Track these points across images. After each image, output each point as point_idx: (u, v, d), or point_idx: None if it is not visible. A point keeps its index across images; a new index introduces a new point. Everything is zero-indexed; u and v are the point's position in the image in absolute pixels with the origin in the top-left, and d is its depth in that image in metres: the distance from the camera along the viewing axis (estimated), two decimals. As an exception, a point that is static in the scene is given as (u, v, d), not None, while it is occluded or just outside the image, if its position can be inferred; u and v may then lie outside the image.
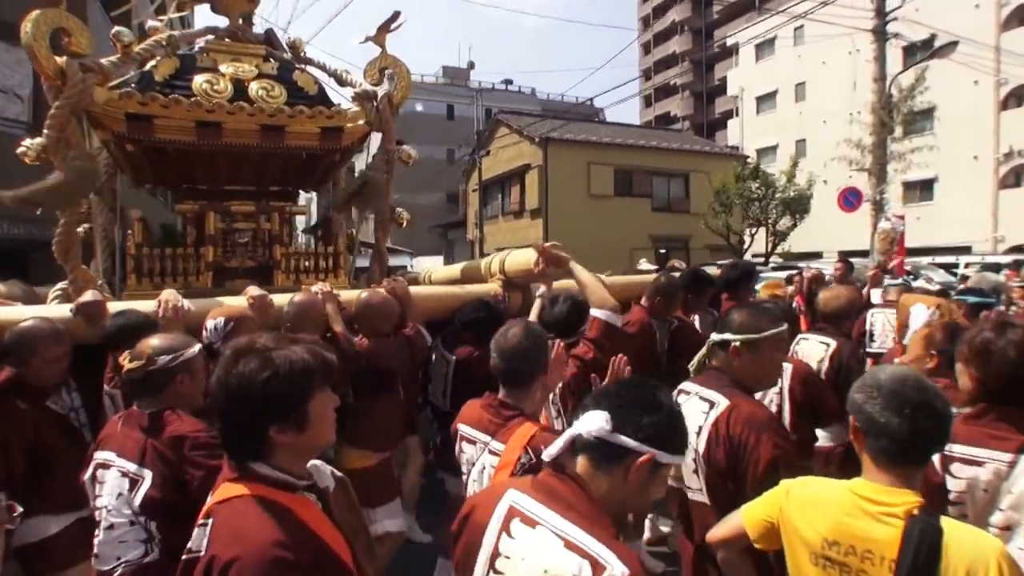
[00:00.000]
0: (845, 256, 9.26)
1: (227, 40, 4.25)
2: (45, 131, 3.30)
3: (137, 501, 1.78)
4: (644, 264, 7.09)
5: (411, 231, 37.37)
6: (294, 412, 1.22)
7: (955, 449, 1.68)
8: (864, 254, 11.57)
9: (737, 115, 32.65)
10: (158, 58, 3.84)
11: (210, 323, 2.68)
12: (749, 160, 20.61)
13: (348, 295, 3.32)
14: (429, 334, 3.36)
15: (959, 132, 21.68)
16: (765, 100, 30.89)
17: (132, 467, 1.81)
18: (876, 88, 10.76)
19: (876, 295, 5.36)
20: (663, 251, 19.68)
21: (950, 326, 2.34)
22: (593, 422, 1.18)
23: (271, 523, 1.14)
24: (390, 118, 4.08)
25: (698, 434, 1.89)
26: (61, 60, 3.27)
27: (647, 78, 56.60)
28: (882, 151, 10.67)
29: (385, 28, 4.11)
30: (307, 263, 4.19)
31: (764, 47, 30.46)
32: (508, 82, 43.70)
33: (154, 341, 2.00)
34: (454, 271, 4.58)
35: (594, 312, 2.81)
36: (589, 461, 1.20)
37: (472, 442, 2.02)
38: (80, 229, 4.18)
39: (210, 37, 4.20)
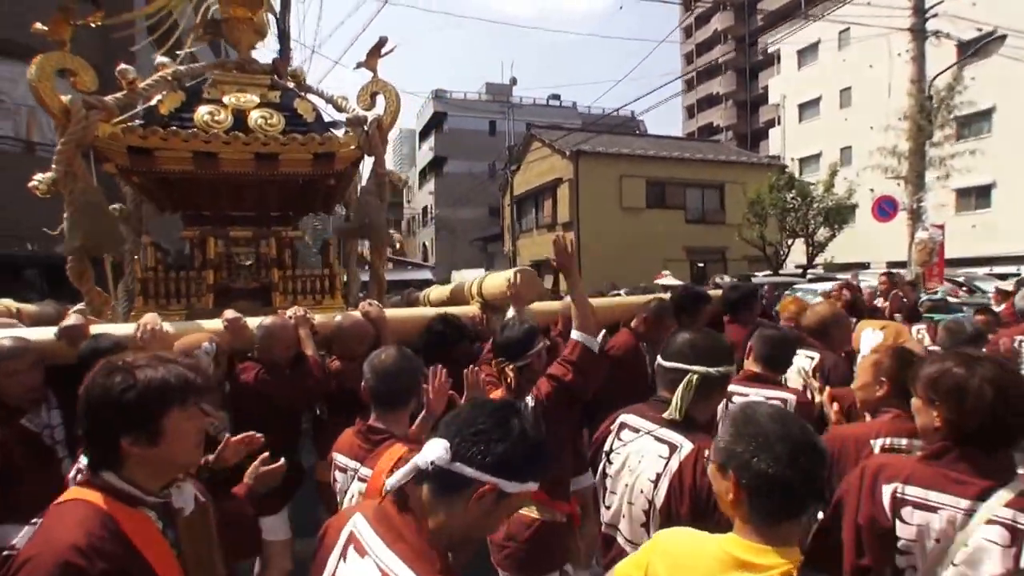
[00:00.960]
0: (891, 268, 8.73)
1: (235, 72, 4.37)
2: (54, 166, 3.44)
3: None
4: (667, 278, 6.88)
5: (453, 244, 38.02)
6: (147, 425, 1.24)
7: (908, 491, 1.47)
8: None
9: (779, 123, 31.42)
10: (164, 93, 3.96)
11: (206, 347, 2.72)
12: (788, 170, 19.79)
13: (325, 317, 3.31)
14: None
15: (1020, 134, 20.10)
16: (808, 107, 29.61)
17: None
18: (914, 90, 10.07)
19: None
20: (701, 264, 19.12)
21: (899, 352, 2.11)
22: (432, 451, 1.10)
23: (81, 529, 1.14)
24: (379, 142, 4.06)
25: (655, 483, 1.66)
26: (65, 99, 3.41)
27: (689, 88, 55.52)
28: (919, 157, 9.95)
29: (375, 54, 4.10)
30: (305, 284, 4.21)
31: (807, 53, 29.25)
32: (555, 96, 43.55)
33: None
34: (445, 292, 4.52)
35: (574, 335, 2.61)
36: (430, 491, 1.12)
37: (344, 470, 1.97)
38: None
39: (217, 71, 4.32)
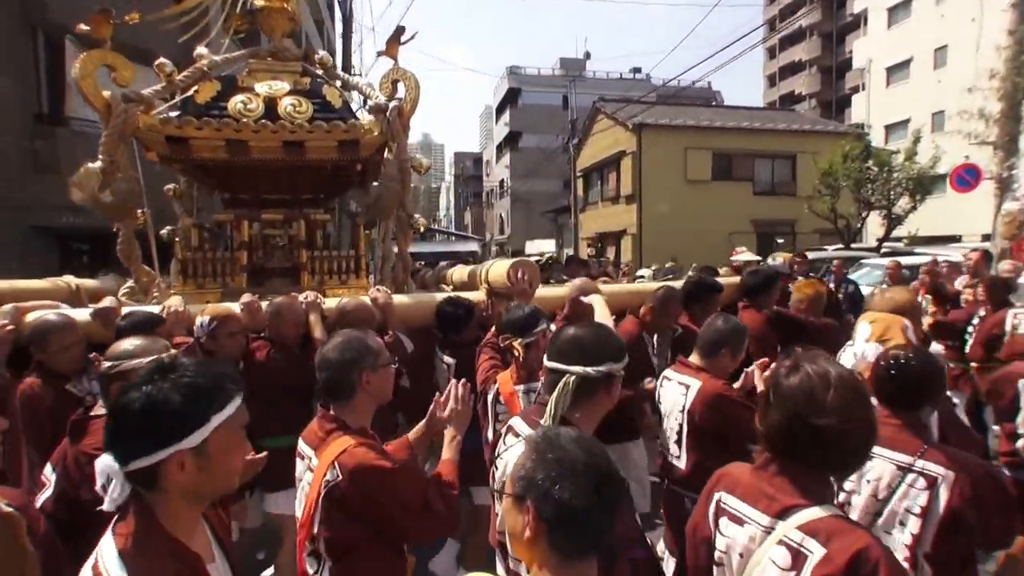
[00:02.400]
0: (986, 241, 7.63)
1: (269, 60, 4.29)
2: (99, 156, 3.51)
3: None
4: (744, 253, 6.26)
5: (528, 216, 37.96)
6: None
7: (728, 502, 1.33)
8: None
9: (863, 89, 28.05)
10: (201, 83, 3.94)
11: (198, 320, 2.83)
12: (868, 137, 17.58)
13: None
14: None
15: None
16: (897, 70, 26.12)
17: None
18: (1012, 42, 8.42)
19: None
20: (780, 240, 17.60)
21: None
22: (103, 472, 1.06)
23: None
24: (400, 129, 3.86)
25: None
26: (107, 94, 3.45)
27: (772, 56, 50.95)
28: (1013, 120, 8.38)
29: (395, 42, 3.86)
30: (332, 265, 4.14)
31: (898, 10, 25.68)
32: (637, 70, 41.37)
33: (126, 345, 1.97)
34: (465, 274, 4.31)
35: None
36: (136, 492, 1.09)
37: (302, 457, 1.86)
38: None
39: (252, 60, 4.25)
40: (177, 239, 4.07)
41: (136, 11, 3.59)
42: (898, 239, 15.95)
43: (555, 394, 1.49)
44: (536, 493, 0.95)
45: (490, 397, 2.56)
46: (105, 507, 1.07)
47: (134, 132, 3.59)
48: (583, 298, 3.04)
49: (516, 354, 2.39)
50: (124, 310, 2.93)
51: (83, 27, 3.48)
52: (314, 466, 1.73)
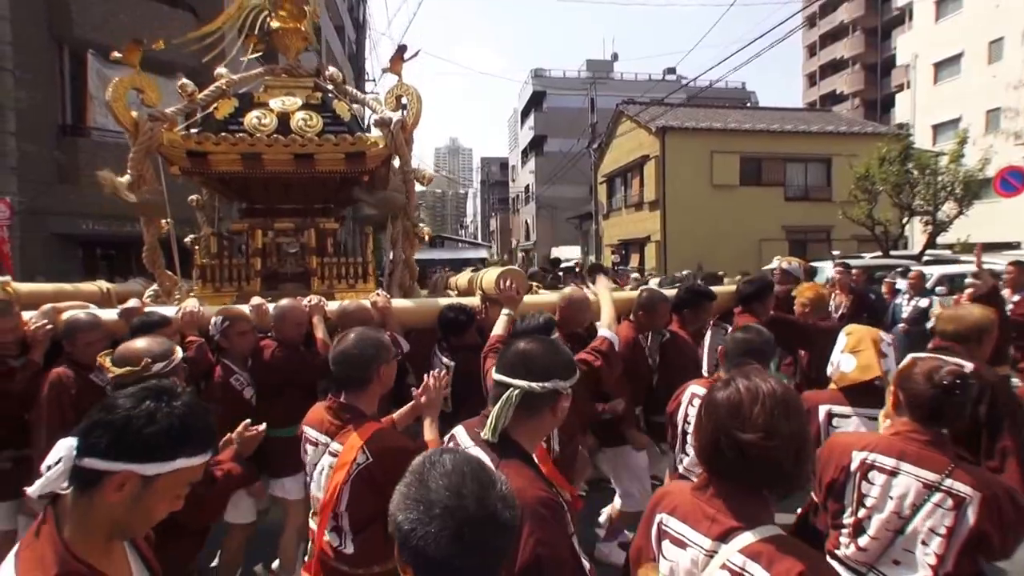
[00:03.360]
0: None
1: (283, 76, 4.69)
2: (128, 170, 3.95)
3: None
4: (780, 262, 6.32)
5: (554, 222, 37.87)
6: None
7: (669, 524, 1.33)
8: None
9: (908, 87, 27.40)
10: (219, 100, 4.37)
11: (212, 320, 3.20)
12: (911, 138, 17.13)
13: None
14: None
15: None
16: (946, 66, 25.40)
17: None
18: None
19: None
20: (844, 253, 17.19)
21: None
22: (57, 451, 1.06)
23: None
24: (404, 142, 4.19)
25: None
26: (134, 114, 3.88)
27: (811, 54, 50.16)
28: None
29: (398, 59, 4.20)
30: (340, 270, 4.48)
31: (947, 2, 25.06)
32: (671, 70, 41.35)
33: (142, 344, 2.09)
34: (466, 279, 4.60)
35: (604, 332, 3.01)
36: (73, 491, 1.08)
37: (315, 444, 2.04)
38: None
39: (268, 77, 4.67)
40: (197, 246, 4.47)
41: (158, 33, 4.01)
42: (949, 246, 15.52)
43: (496, 407, 1.47)
44: (398, 536, 0.92)
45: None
46: (31, 490, 1.07)
47: (158, 148, 4.02)
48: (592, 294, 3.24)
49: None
50: (146, 311, 3.31)
51: (116, 55, 3.93)
52: (333, 450, 1.94)
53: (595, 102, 26.85)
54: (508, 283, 3.11)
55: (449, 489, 0.92)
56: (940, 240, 16.15)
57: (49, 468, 1.05)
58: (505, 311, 3.08)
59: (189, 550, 2.10)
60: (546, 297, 3.80)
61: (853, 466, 1.80)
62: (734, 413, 1.24)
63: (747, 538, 1.17)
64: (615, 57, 40.63)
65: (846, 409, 2.28)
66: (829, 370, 2.46)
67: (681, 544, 1.28)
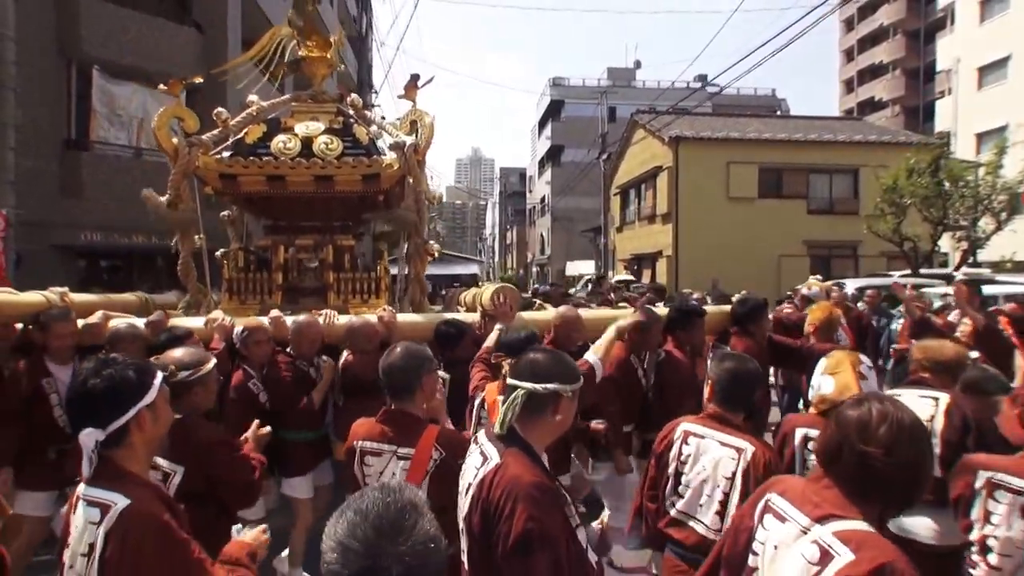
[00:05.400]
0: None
1: (309, 102, 5.38)
2: (169, 191, 4.62)
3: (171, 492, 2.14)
4: (814, 283, 6.63)
5: (569, 235, 37.87)
6: None
7: (777, 502, 1.58)
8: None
9: (949, 93, 27.50)
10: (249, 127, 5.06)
11: (236, 330, 3.74)
12: (948, 148, 17.12)
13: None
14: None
15: None
16: (991, 70, 25.42)
17: (164, 463, 2.23)
18: None
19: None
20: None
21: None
22: (87, 441, 1.55)
23: None
24: (415, 164, 4.80)
25: (466, 493, 1.73)
26: (175, 140, 4.58)
27: (849, 59, 50.40)
28: None
29: (412, 87, 4.84)
30: (355, 286, 5.09)
31: (994, 2, 25.11)
32: (702, 77, 42.03)
33: (177, 354, 2.44)
34: (470, 296, 5.17)
35: (590, 356, 3.25)
36: (106, 453, 1.60)
37: (378, 454, 2.26)
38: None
39: (295, 103, 5.35)
40: (226, 261, 5.13)
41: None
42: (994, 264, 15.39)
43: (505, 405, 1.73)
44: (323, 560, 0.98)
45: (476, 403, 3.17)
46: (84, 474, 1.56)
47: (194, 170, 4.70)
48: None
49: (504, 372, 2.64)
50: (171, 322, 3.85)
51: (163, 87, 4.65)
52: (403, 454, 2.20)
53: (615, 111, 27.30)
54: (501, 299, 3.61)
55: (348, 527, 0.97)
56: (983, 258, 16.17)
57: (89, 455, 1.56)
58: (498, 326, 3.52)
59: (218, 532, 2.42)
60: (542, 315, 4.30)
61: (978, 484, 2.09)
62: (862, 428, 1.44)
63: (843, 524, 1.38)
64: (638, 64, 41.40)
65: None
66: (811, 394, 2.60)
67: (782, 519, 1.51)
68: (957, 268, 14.24)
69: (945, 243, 15.63)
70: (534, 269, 42.02)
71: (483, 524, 1.61)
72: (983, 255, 15.79)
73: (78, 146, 11.40)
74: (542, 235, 41.55)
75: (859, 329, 6.54)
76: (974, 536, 2.11)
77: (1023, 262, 16.63)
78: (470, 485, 1.70)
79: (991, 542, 2.05)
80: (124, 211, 10.00)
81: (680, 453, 2.36)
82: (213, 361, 2.61)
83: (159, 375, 1.75)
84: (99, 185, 11.04)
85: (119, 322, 3.73)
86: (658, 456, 2.48)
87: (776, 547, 1.50)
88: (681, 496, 2.34)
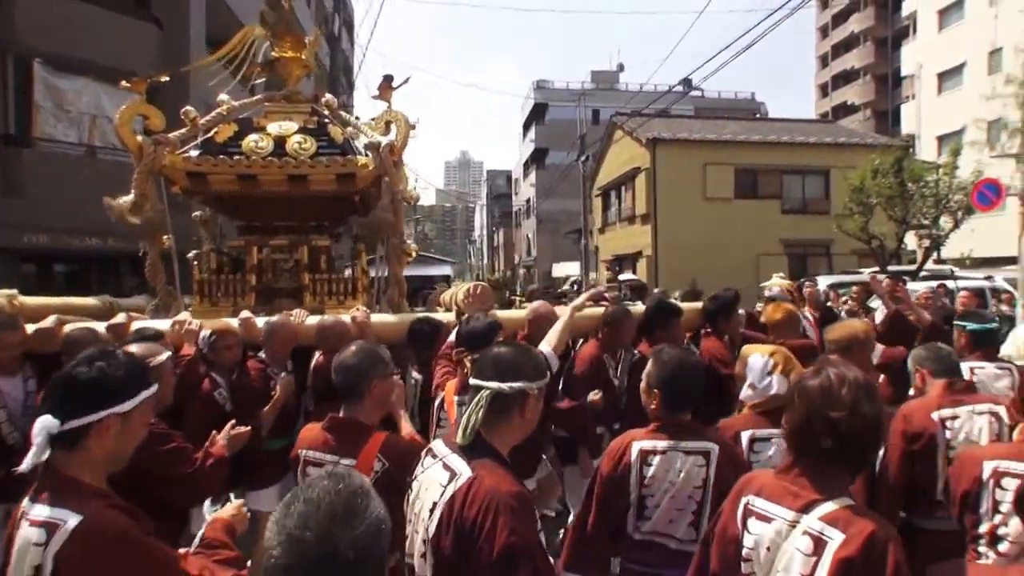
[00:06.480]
0: None
1: (283, 102, 5.13)
2: (132, 190, 4.37)
3: None
4: (777, 280, 6.58)
5: (555, 237, 37.97)
6: None
7: (756, 503, 1.54)
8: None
9: (913, 97, 27.91)
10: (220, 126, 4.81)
11: (202, 334, 3.51)
12: (911, 150, 17.50)
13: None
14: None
15: None
16: (950, 76, 25.94)
17: None
18: None
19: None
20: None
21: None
22: (38, 428, 1.37)
23: None
24: (391, 165, 4.59)
25: (431, 513, 1.52)
26: (139, 138, 4.32)
27: (824, 65, 50.96)
28: None
29: (387, 87, 4.63)
30: (331, 287, 4.87)
31: (951, 11, 25.62)
32: (686, 81, 42.19)
33: (131, 348, 2.25)
34: (447, 295, 4.99)
35: (541, 346, 2.99)
36: (57, 453, 1.41)
37: (319, 465, 2.11)
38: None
39: (268, 103, 5.11)
40: (196, 262, 4.88)
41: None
42: (957, 260, 15.67)
43: (468, 409, 1.58)
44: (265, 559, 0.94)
45: (436, 403, 2.99)
46: (23, 467, 1.34)
47: (160, 169, 4.44)
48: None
49: (465, 368, 2.64)
50: (135, 325, 3.55)
51: (125, 84, 4.38)
52: (346, 465, 2.02)
53: (599, 113, 27.26)
54: (474, 291, 3.42)
55: (299, 518, 0.93)
56: (946, 254, 16.45)
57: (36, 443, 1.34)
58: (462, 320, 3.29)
59: (172, 532, 2.34)
60: (515, 313, 4.14)
61: (985, 475, 2.01)
62: (826, 395, 1.46)
63: (826, 507, 1.40)
64: (621, 67, 41.44)
65: (768, 432, 2.31)
66: (746, 393, 2.46)
67: (766, 519, 1.49)
68: (921, 265, 14.47)
69: (911, 241, 15.89)
70: (521, 271, 41.88)
71: (457, 545, 1.45)
72: (945, 252, 16.07)
73: (18, 142, 10.56)
74: (528, 237, 41.46)
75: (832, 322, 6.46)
76: (983, 529, 2.02)
77: (982, 258, 16.97)
78: (436, 504, 1.51)
79: (1002, 531, 1.98)
80: (77, 212, 9.27)
81: (642, 477, 2.06)
82: (167, 353, 2.46)
83: (152, 389, 1.56)
84: (45, 184, 10.23)
85: (75, 327, 3.47)
86: (609, 479, 2.12)
87: (769, 548, 1.46)
88: (648, 519, 2.08)
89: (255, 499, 3.41)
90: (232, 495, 3.18)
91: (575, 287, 17.41)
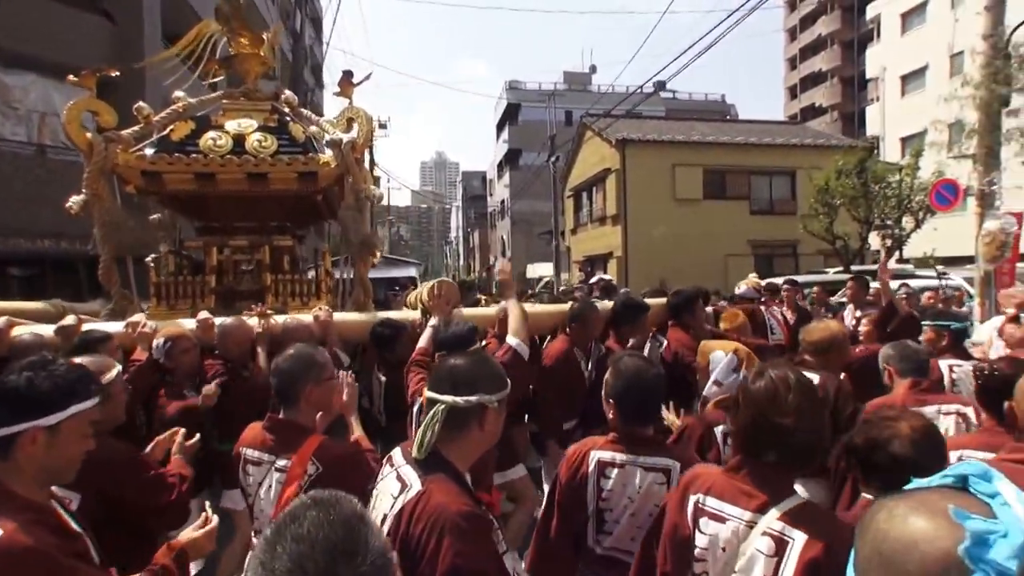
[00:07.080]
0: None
1: (242, 100, 5.00)
2: (83, 190, 4.20)
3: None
4: (752, 279, 6.63)
5: (529, 237, 37.92)
6: None
7: (707, 502, 1.52)
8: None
9: (877, 99, 28.67)
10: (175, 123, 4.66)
11: (155, 342, 3.33)
12: (875, 152, 17.94)
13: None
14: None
15: None
16: (912, 79, 26.68)
17: (57, 490, 2.05)
18: (987, 47, 8.64)
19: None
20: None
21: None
22: None
23: None
24: (354, 162, 4.51)
25: (383, 524, 1.45)
26: (89, 135, 4.16)
27: (792, 67, 51.99)
28: (989, 131, 8.62)
29: (348, 83, 4.54)
30: (295, 288, 4.76)
31: (913, 15, 26.36)
32: (661, 84, 42.57)
33: (77, 362, 2.21)
34: (412, 296, 4.92)
35: (510, 339, 3.04)
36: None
37: (257, 464, 2.12)
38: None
39: (226, 100, 4.97)
40: (153, 265, 4.72)
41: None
42: (919, 260, 16.09)
43: (424, 424, 1.50)
44: None
45: (415, 410, 2.87)
46: None
47: (113, 168, 4.29)
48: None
49: None
50: (85, 327, 3.44)
51: (73, 79, 4.21)
52: (280, 466, 2.02)
53: (571, 115, 27.32)
54: (438, 291, 3.36)
55: (292, 559, 0.79)
56: (908, 254, 16.89)
57: None
58: (431, 322, 3.24)
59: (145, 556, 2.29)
60: (484, 311, 4.10)
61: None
62: (772, 400, 1.46)
63: (784, 507, 1.40)
64: (593, 69, 41.66)
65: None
66: (711, 389, 2.49)
67: (720, 519, 1.47)
68: (884, 265, 14.79)
69: (874, 241, 16.27)
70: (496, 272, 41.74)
71: (402, 562, 1.34)
72: (908, 251, 16.50)
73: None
74: (503, 238, 41.38)
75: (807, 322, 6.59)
76: None
77: (944, 258, 17.45)
78: (386, 516, 1.45)
79: None
80: (27, 213, 8.91)
81: (600, 490, 1.98)
82: (116, 369, 2.34)
83: (88, 403, 1.48)
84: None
85: (22, 330, 3.35)
86: (568, 486, 2.04)
87: (724, 548, 1.45)
88: (609, 533, 2.01)
89: (229, 498, 3.32)
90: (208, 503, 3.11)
91: (548, 288, 17.47)
